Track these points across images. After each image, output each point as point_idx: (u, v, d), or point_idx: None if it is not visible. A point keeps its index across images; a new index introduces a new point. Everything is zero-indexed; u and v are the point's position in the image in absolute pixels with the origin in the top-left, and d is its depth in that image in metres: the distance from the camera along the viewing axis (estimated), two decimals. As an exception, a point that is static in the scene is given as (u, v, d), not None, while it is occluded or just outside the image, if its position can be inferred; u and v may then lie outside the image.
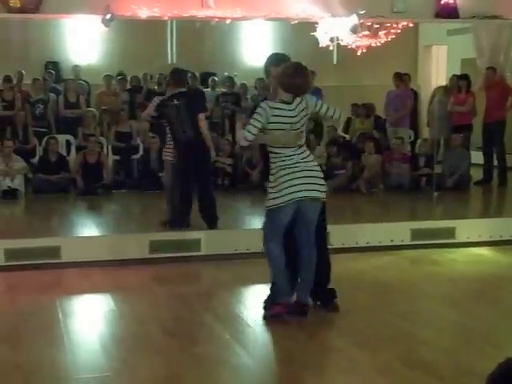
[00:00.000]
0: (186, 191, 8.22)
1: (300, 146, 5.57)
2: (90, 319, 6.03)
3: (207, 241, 7.97)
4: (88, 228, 8.92)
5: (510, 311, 6.18)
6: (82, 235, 8.43)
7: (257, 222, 8.42)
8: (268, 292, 5.87)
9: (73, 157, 11.86)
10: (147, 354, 5.06)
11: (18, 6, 8.82)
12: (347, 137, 13.15)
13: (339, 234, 8.29)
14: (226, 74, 14.16)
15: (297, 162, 5.51)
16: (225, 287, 6.79)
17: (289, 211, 5.55)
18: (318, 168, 5.63)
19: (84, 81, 13.66)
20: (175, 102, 8.09)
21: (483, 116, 12.10)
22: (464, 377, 4.57)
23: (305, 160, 5.54)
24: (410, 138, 12.89)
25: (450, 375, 4.66)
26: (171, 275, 7.25)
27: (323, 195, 5.64)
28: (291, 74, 5.52)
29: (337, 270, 7.80)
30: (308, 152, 5.63)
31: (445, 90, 12.82)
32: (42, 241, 7.80)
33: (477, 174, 12.09)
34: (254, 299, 6.73)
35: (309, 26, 9.99)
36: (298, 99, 5.58)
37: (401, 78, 12.56)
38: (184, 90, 8.33)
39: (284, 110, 5.52)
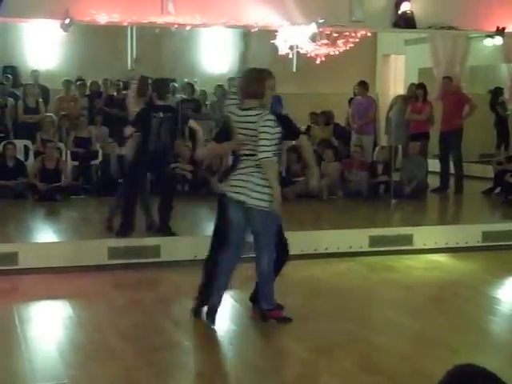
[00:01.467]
0: (135, 194, 8.22)
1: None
2: (47, 326, 5.98)
3: (166, 247, 7.95)
4: (46, 234, 8.84)
5: (465, 317, 6.28)
6: (39, 241, 8.35)
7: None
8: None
9: (31, 162, 11.74)
10: (105, 360, 5.03)
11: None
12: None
13: (298, 241, 8.33)
14: (186, 80, 14.16)
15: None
16: (184, 293, 6.78)
17: None
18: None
19: (42, 86, 13.54)
20: (161, 114, 8.04)
21: (440, 125, 12.27)
22: (420, 382, 4.64)
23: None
24: (374, 145, 13.01)
25: (407, 380, 4.73)
26: (130, 281, 7.22)
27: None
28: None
29: (295, 276, 7.86)
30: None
31: (403, 98, 12.97)
32: (-1, 247, 7.72)
33: (434, 182, 12.24)
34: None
35: (268, 33, 10.06)
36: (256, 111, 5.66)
37: (364, 86, 12.70)
38: (167, 103, 8.33)
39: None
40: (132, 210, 8.16)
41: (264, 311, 5.83)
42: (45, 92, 13.47)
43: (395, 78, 15.69)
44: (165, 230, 8.15)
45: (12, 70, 14.11)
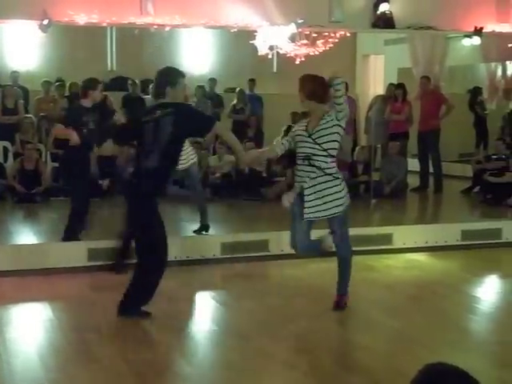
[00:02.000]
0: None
1: None
2: (26, 329, 5.95)
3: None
4: (25, 236, 8.79)
5: (444, 316, 6.31)
6: (18, 243, 8.30)
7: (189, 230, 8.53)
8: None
9: (10, 163, 11.67)
10: (85, 363, 5.02)
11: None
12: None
13: (278, 241, 8.35)
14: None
15: None
16: (164, 294, 6.77)
17: None
18: None
19: (21, 87, 13.46)
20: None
21: (418, 124, 12.33)
22: (399, 381, 4.66)
23: None
24: (354, 145, 13.04)
25: (386, 379, 4.76)
26: (110, 283, 7.19)
27: None
28: None
29: (276, 276, 7.89)
30: None
31: (383, 98, 13.03)
32: (-22, 249, 7.67)
33: (413, 181, 12.31)
34: (194, 306, 6.76)
35: (248, 34, 10.05)
36: None
37: (345, 86, 12.71)
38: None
39: None
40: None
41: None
42: (24, 93, 13.39)
43: (375, 77, 15.77)
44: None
45: (-10, 71, 14.02)
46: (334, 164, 6.01)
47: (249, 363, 5.07)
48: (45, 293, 6.95)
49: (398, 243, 8.72)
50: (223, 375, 4.93)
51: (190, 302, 6.85)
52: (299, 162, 5.99)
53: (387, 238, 8.72)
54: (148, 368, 4.98)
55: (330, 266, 7.96)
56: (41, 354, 5.24)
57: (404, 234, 8.83)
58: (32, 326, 6.05)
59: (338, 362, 5.03)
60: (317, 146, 5.89)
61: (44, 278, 7.40)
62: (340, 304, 6.22)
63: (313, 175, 5.90)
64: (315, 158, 5.90)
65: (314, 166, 5.90)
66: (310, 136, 5.91)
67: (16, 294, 6.95)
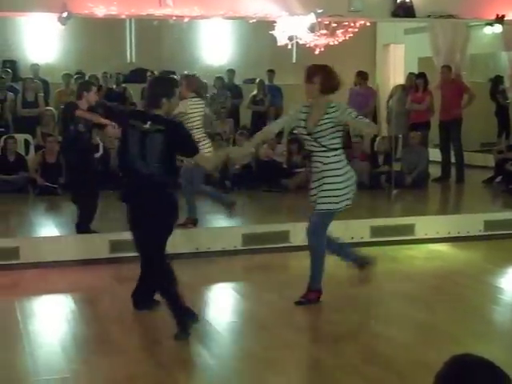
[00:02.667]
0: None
1: None
2: (49, 320, 5.98)
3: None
4: (47, 228, 8.83)
5: (467, 307, 6.27)
6: (41, 236, 8.35)
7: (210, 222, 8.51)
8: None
9: (31, 156, 11.73)
10: (107, 354, 5.04)
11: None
12: None
13: (299, 232, 8.32)
14: (185, 72, 14.10)
15: None
16: (185, 286, 6.77)
17: None
18: None
19: (42, 79, 13.51)
20: None
21: (439, 114, 12.24)
22: (422, 372, 4.63)
23: None
24: (374, 135, 12.97)
25: (409, 371, 4.73)
26: (132, 275, 7.19)
27: None
28: None
29: (298, 267, 7.86)
30: None
31: (403, 88, 12.94)
32: (0, 241, 7.71)
33: (435, 172, 12.23)
34: (215, 298, 6.76)
35: (267, 24, 10.02)
36: None
37: (363, 76, 12.67)
38: None
39: None
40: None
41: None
42: (45, 86, 13.45)
43: (395, 67, 15.66)
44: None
45: (11, 64, 14.08)
46: (339, 157, 5.95)
47: (270, 354, 5.06)
48: (67, 284, 6.99)
49: (419, 234, 8.68)
50: (244, 365, 4.93)
51: (211, 294, 6.86)
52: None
53: (409, 229, 8.67)
54: (170, 358, 4.99)
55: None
56: (64, 345, 5.27)
57: (426, 225, 8.78)
58: (55, 317, 6.08)
59: (360, 353, 5.01)
60: (316, 144, 5.84)
61: (66, 269, 7.44)
62: (303, 301, 6.11)
63: (316, 169, 5.94)
64: (316, 154, 5.86)
65: (316, 161, 5.86)
66: (309, 134, 5.85)
67: (39, 285, 6.99)
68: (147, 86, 5.93)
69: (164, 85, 5.55)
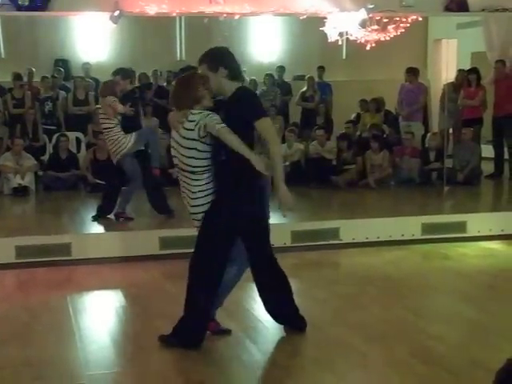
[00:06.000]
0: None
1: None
2: (100, 316, 6.04)
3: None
4: (98, 225, 8.93)
5: (521, 305, 6.15)
6: (92, 232, 8.44)
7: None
8: None
9: (83, 154, 11.87)
10: (157, 350, 5.05)
11: (27, 3, 8.84)
12: None
13: (350, 229, 8.29)
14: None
15: None
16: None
17: None
18: None
19: (93, 78, 13.66)
20: None
21: (493, 110, 12.04)
22: (476, 371, 4.55)
23: None
24: (422, 132, 12.84)
25: (462, 370, 4.65)
26: (181, 271, 7.21)
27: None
28: None
29: (347, 265, 7.82)
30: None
31: (453, 85, 12.81)
32: (53, 238, 7.82)
33: (488, 168, 12.03)
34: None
35: (317, 20, 9.98)
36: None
37: (414, 73, 12.52)
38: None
39: None
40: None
41: None
42: (96, 84, 13.60)
43: (447, 62, 15.45)
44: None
45: (63, 63, 14.29)
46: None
47: (321, 351, 5.03)
48: (118, 280, 7.06)
49: (472, 231, 8.55)
50: (295, 363, 4.90)
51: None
52: None
53: (461, 226, 8.55)
54: (218, 354, 4.99)
55: (405, 254, 7.90)
56: (114, 340, 5.31)
57: (478, 222, 8.64)
58: (106, 313, 6.13)
59: (412, 352, 4.94)
60: None
61: (117, 265, 7.52)
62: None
63: None
64: None
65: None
66: None
67: (89, 281, 7.08)
68: None
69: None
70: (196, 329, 5.05)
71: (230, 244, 5.00)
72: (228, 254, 5.00)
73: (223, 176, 4.93)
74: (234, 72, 4.98)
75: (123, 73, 8.97)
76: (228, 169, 4.89)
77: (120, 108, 8.34)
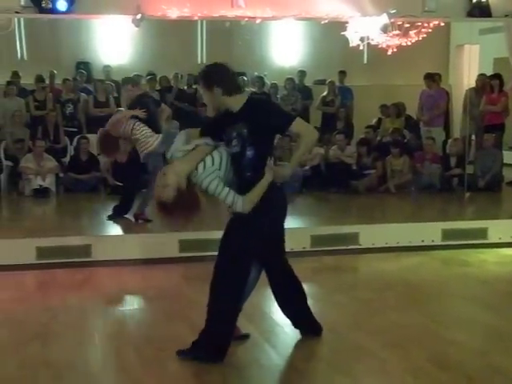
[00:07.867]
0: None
1: None
2: (119, 317, 6.05)
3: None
4: (118, 227, 8.96)
5: (542, 313, 6.10)
6: (112, 234, 8.48)
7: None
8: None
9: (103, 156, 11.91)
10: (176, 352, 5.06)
11: (50, 6, 8.91)
12: None
13: (369, 234, 8.26)
14: (255, 73, 14.14)
15: None
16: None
17: None
18: None
19: (114, 81, 13.72)
20: None
21: (515, 116, 11.97)
22: (495, 378, 4.53)
23: None
24: (443, 137, 12.78)
25: (481, 376, 4.62)
26: (200, 274, 7.22)
27: None
28: None
29: (366, 270, 7.80)
30: None
31: (475, 90, 12.74)
32: (74, 239, 7.87)
33: (509, 174, 11.95)
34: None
35: (339, 25, 9.97)
36: None
37: (432, 79, 12.45)
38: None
39: None
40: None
41: None
42: (117, 87, 13.66)
43: (469, 68, 15.35)
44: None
45: (85, 66, 14.36)
46: None
47: (339, 356, 5.02)
48: (137, 283, 7.08)
49: (493, 238, 8.50)
50: (313, 367, 4.89)
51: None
52: None
53: (482, 233, 8.50)
54: (237, 358, 4.99)
55: (424, 260, 7.86)
56: (133, 342, 5.32)
57: (500, 229, 8.59)
58: (125, 315, 6.15)
59: (431, 358, 4.91)
60: None
61: (136, 267, 7.55)
62: None
63: None
64: None
65: None
66: None
67: (110, 283, 7.10)
68: None
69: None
70: (222, 341, 4.94)
71: (251, 259, 4.97)
72: (250, 267, 4.98)
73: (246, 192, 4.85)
74: (229, 88, 4.86)
75: (132, 81, 9.57)
76: (251, 186, 4.84)
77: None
